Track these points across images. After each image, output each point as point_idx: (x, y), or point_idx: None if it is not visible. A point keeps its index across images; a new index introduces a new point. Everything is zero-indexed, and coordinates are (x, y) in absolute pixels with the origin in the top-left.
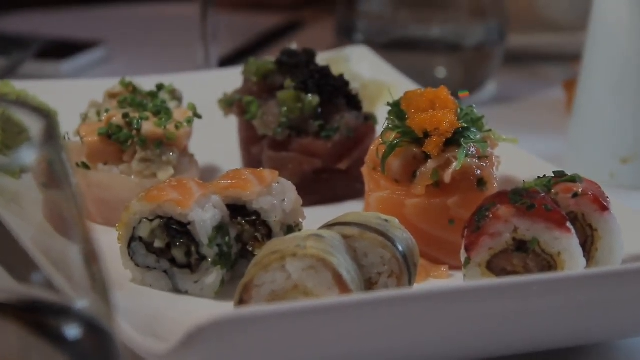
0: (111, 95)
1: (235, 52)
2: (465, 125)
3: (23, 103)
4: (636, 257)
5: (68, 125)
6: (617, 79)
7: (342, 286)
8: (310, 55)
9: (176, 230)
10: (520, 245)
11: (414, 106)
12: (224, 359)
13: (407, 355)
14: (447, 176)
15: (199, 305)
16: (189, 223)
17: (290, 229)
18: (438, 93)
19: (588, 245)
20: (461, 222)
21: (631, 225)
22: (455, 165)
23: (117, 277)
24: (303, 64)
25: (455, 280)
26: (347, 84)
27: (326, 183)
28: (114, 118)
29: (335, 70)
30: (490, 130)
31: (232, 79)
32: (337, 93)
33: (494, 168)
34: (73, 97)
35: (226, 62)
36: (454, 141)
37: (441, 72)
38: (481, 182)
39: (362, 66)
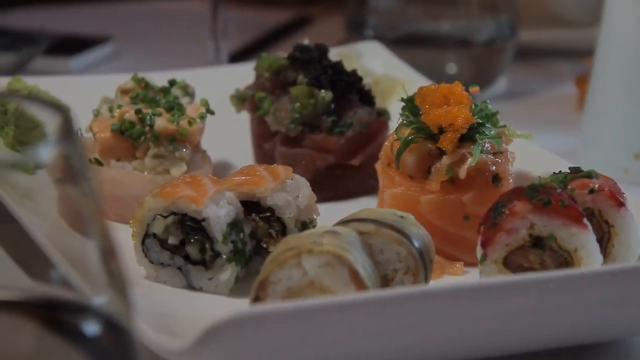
0: (123, 91)
1: (245, 48)
2: (480, 121)
3: (37, 98)
4: None
5: (79, 121)
6: (629, 74)
7: (358, 283)
8: (322, 50)
9: (190, 226)
10: (537, 242)
11: (428, 102)
12: (240, 356)
13: (424, 353)
14: (462, 172)
15: (213, 302)
16: (203, 219)
17: (304, 225)
18: (452, 88)
19: (605, 241)
20: (476, 218)
21: None
22: (470, 161)
23: (131, 274)
24: (315, 59)
25: (471, 277)
26: (360, 79)
27: (339, 179)
28: (127, 114)
29: (347, 66)
30: (504, 126)
31: (244, 74)
32: (350, 89)
33: (509, 164)
34: (84, 93)
35: (236, 58)
36: (468, 137)
37: (452, 67)
38: (496, 178)
39: (374, 62)
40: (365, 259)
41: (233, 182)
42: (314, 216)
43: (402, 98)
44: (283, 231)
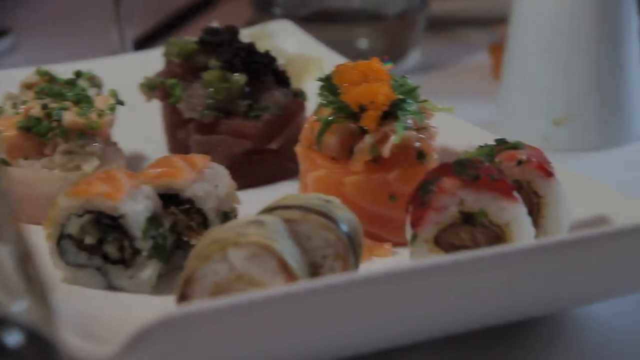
0: (27, 86)
1: (149, 33)
2: (401, 97)
3: None
4: (583, 223)
5: None
6: (546, 40)
7: (287, 273)
8: (233, 32)
9: (107, 224)
10: (468, 218)
11: (347, 80)
12: (173, 358)
13: (364, 339)
14: (386, 150)
15: (137, 302)
16: (121, 216)
17: (226, 215)
18: (370, 65)
19: (534, 213)
20: (402, 197)
21: (576, 190)
22: (394, 139)
23: (47, 278)
24: (227, 42)
25: (400, 257)
26: (274, 60)
27: (258, 164)
28: (32, 110)
29: (260, 47)
30: (425, 101)
31: (152, 61)
32: (265, 71)
33: (432, 139)
34: None
35: (141, 44)
36: (390, 114)
37: (363, 43)
38: (421, 155)
39: (286, 41)
40: (294, 247)
41: (149, 175)
42: (235, 205)
43: (319, 77)
44: (204, 223)
